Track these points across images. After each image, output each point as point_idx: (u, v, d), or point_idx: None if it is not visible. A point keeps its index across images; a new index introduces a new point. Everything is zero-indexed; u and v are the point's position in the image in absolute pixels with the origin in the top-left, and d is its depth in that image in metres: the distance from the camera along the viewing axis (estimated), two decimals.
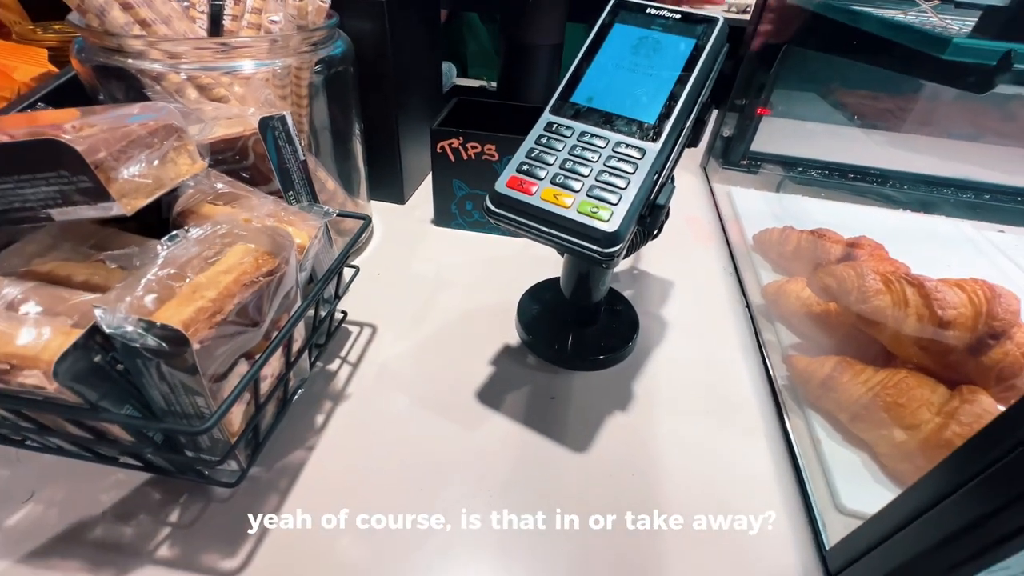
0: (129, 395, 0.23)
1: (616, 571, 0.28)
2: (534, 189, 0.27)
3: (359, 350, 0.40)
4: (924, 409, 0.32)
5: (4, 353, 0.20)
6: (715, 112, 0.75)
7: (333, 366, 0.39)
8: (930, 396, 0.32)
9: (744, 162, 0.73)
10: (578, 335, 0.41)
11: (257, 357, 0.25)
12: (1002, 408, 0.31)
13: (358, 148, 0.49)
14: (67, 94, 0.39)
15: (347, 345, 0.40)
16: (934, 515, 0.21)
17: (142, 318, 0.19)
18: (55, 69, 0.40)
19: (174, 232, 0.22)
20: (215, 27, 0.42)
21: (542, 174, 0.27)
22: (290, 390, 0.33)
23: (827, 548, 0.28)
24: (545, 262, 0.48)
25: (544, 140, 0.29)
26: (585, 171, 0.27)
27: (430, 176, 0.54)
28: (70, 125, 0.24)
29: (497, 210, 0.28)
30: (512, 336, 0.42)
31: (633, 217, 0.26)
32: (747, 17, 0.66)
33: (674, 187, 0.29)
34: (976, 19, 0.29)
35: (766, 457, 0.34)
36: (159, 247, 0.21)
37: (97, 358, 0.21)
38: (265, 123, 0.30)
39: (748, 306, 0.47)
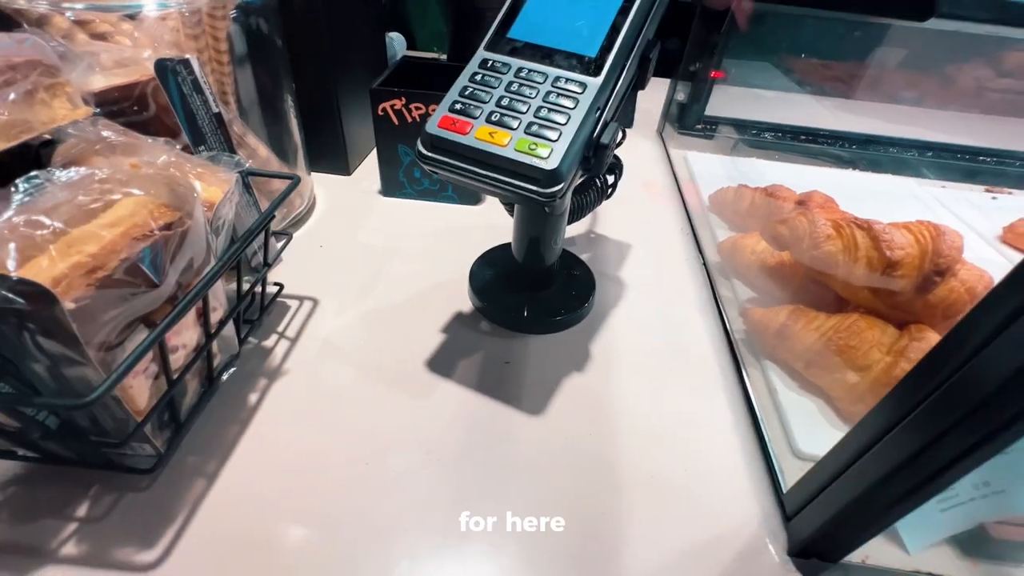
0: (3, 371, 0.20)
1: (580, 527, 0.26)
2: (468, 129, 0.25)
3: (298, 325, 0.37)
4: (875, 350, 0.32)
5: None
6: (669, 81, 0.74)
7: (269, 342, 0.36)
8: (880, 337, 0.32)
9: (699, 127, 0.72)
10: (533, 299, 0.39)
11: (159, 322, 0.22)
12: None
13: (292, 115, 0.46)
14: None
15: (285, 320, 0.37)
16: (879, 449, 0.21)
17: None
18: None
19: (33, 172, 0.19)
20: None
21: (477, 113, 0.25)
22: (217, 367, 0.30)
23: (784, 493, 0.28)
24: (498, 231, 0.46)
25: (479, 78, 0.26)
26: (523, 108, 0.25)
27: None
28: None
29: (429, 154, 0.25)
30: (465, 304, 0.40)
31: (576, 156, 0.24)
32: None
33: (622, 134, 0.27)
34: None
35: (724, 409, 0.34)
36: (12, 189, 0.18)
37: None
38: (164, 66, 0.26)
39: (704, 263, 0.47)
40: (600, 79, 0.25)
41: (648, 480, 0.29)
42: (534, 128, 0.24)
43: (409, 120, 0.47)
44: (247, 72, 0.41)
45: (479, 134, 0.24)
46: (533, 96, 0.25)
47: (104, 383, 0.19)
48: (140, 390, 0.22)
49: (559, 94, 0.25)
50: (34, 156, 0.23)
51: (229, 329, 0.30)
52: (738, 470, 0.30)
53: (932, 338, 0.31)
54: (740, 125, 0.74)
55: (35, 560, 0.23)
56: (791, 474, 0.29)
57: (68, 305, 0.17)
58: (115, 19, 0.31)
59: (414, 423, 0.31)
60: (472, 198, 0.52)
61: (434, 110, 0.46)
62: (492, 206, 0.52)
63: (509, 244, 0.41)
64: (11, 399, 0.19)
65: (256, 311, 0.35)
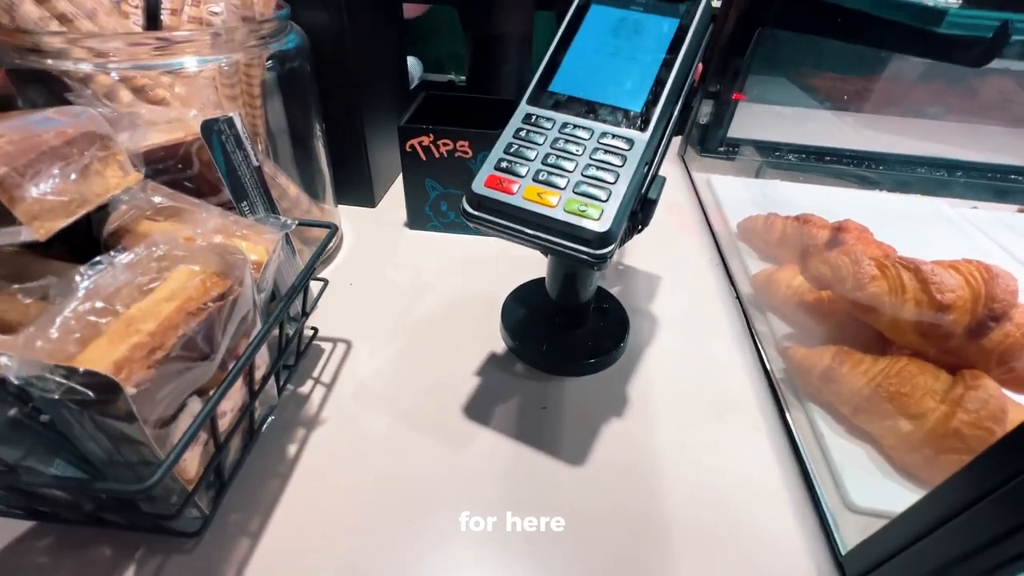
0: (60, 447, 0.20)
1: None
2: (515, 188, 0.25)
3: (333, 369, 0.37)
4: (928, 397, 0.31)
5: None
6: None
7: (305, 388, 0.35)
8: (933, 383, 0.31)
9: (722, 149, 0.72)
10: (567, 338, 0.39)
11: (211, 393, 0.22)
12: (1006, 391, 0.31)
13: (321, 150, 0.46)
14: None
15: (320, 364, 0.37)
16: (961, 522, 0.20)
17: (59, 364, 0.16)
18: None
19: (97, 259, 0.19)
20: (152, 24, 0.38)
21: (523, 171, 0.25)
22: (257, 420, 0.30)
23: (843, 553, 0.27)
24: (527, 262, 0.46)
25: (523, 134, 0.26)
26: (570, 166, 0.25)
27: (401, 177, 0.51)
28: None
29: (475, 212, 0.25)
30: (498, 343, 0.40)
31: (625, 214, 0.24)
32: None
33: (664, 178, 0.27)
34: None
35: (769, 455, 0.33)
36: (78, 277, 0.18)
37: (12, 412, 0.18)
38: (209, 126, 0.26)
39: (738, 296, 0.46)
40: (647, 134, 0.25)
41: (695, 534, 0.28)
42: (583, 188, 0.24)
43: (436, 155, 0.47)
44: (278, 111, 0.41)
45: (527, 194, 0.24)
46: (579, 153, 0.25)
47: (162, 467, 0.18)
48: (191, 460, 0.22)
49: (606, 151, 0.25)
50: (85, 222, 0.24)
51: (270, 382, 0.30)
52: (788, 523, 0.29)
53: (988, 386, 0.30)
54: (762, 146, 0.74)
55: None
56: (847, 530, 0.28)
57: (130, 391, 0.17)
58: (155, 74, 0.32)
59: (453, 474, 0.31)
60: None
61: (462, 145, 0.47)
62: None
63: (540, 279, 0.41)
64: (73, 484, 0.19)
65: (292, 356, 0.35)
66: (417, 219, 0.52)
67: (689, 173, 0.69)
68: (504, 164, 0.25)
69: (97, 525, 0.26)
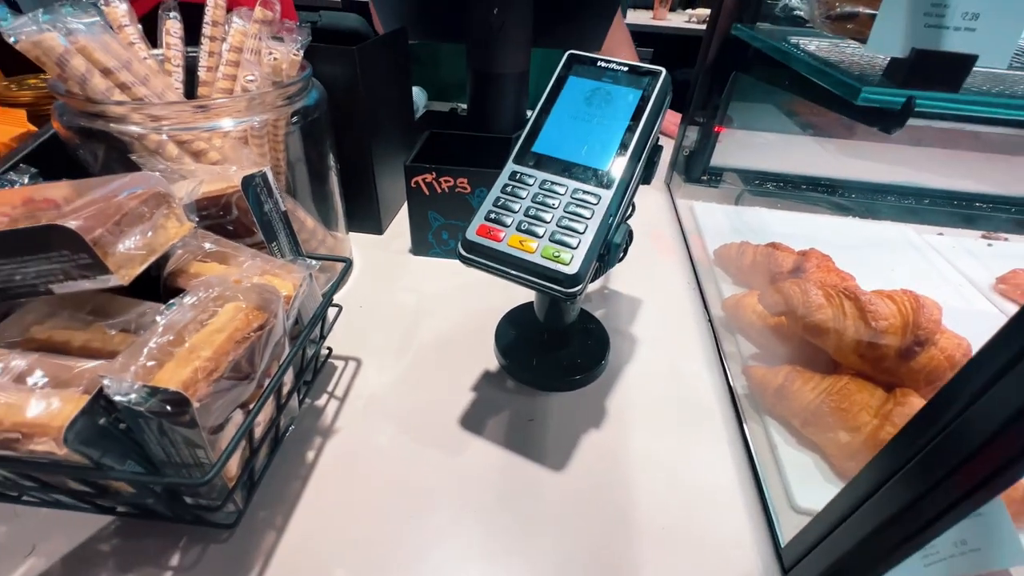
0: (131, 451, 0.25)
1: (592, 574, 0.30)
2: (502, 235, 0.30)
3: (345, 384, 0.42)
4: (864, 412, 0.35)
5: (15, 423, 0.21)
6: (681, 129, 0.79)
7: (321, 401, 0.40)
8: (869, 400, 0.36)
9: (705, 177, 0.77)
10: (553, 357, 0.43)
11: (251, 406, 0.27)
12: None
13: (335, 184, 0.51)
14: (47, 153, 0.40)
15: (333, 380, 0.42)
16: (869, 506, 0.24)
17: (146, 384, 0.21)
18: (34, 128, 0.41)
19: (172, 301, 0.24)
20: (190, 80, 0.44)
21: (508, 221, 0.30)
22: (281, 429, 0.35)
23: (782, 546, 0.31)
24: (518, 288, 0.51)
25: (509, 189, 0.31)
26: (547, 217, 0.30)
27: (406, 206, 0.56)
28: (62, 198, 0.26)
29: (469, 255, 0.30)
30: (491, 361, 0.45)
31: (592, 258, 0.29)
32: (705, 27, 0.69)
33: (629, 227, 0.32)
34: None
35: (729, 463, 0.37)
36: (158, 316, 0.23)
37: (102, 420, 0.23)
38: (248, 181, 0.31)
39: (710, 319, 0.51)
40: (612, 191, 0.30)
41: (660, 532, 0.33)
42: (557, 236, 0.29)
43: (439, 191, 0.52)
44: (298, 151, 0.46)
45: (511, 242, 0.29)
46: (556, 206, 0.30)
47: (218, 463, 0.23)
48: (233, 461, 0.27)
49: (578, 204, 0.30)
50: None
51: (292, 396, 0.34)
52: (742, 523, 0.34)
53: (915, 402, 0.34)
54: (744, 175, 0.79)
55: None
56: (788, 527, 0.32)
57: (195, 405, 0.22)
58: (207, 135, 0.37)
59: (451, 478, 0.35)
60: None
61: (461, 182, 0.52)
62: None
63: (529, 304, 0.46)
64: (146, 479, 0.24)
65: (311, 373, 0.40)
66: (420, 246, 0.57)
67: (673, 200, 0.74)
68: (493, 215, 0.30)
69: (148, 518, 0.30)
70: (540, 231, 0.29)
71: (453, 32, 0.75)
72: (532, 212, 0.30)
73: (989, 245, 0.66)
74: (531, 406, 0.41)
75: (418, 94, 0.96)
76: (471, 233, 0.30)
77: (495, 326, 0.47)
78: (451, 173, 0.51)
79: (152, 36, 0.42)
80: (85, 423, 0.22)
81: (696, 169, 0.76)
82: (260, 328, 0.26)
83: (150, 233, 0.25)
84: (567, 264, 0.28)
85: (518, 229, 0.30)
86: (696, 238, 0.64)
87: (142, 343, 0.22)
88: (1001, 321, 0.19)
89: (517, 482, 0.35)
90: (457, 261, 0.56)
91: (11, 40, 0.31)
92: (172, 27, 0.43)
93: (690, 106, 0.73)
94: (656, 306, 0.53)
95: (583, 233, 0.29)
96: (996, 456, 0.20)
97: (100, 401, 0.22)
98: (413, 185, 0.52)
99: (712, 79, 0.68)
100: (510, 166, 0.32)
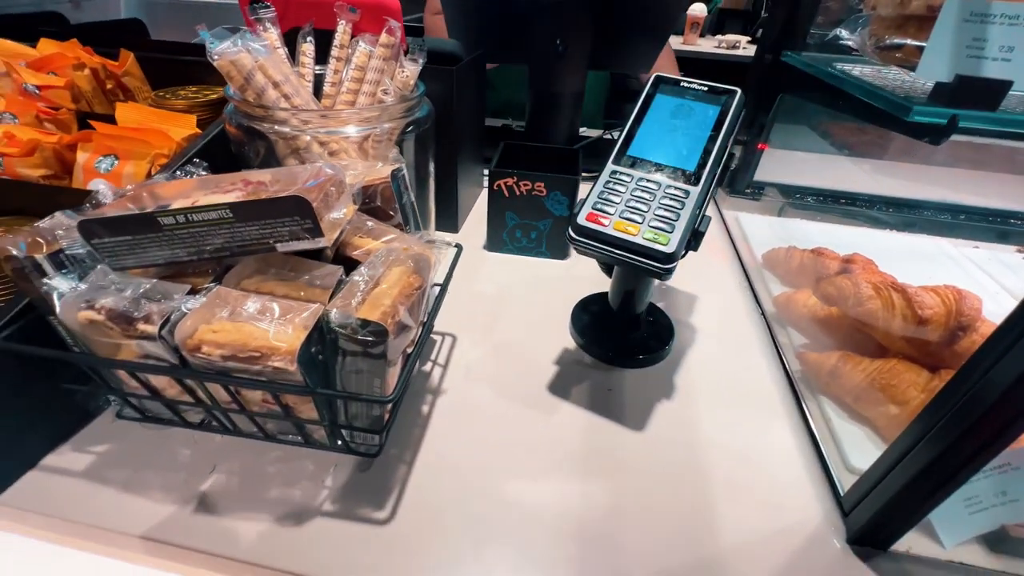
0: (323, 379, 0.31)
1: (673, 519, 0.35)
2: (606, 221, 0.36)
3: (445, 354, 0.48)
4: (912, 388, 0.40)
5: (259, 345, 0.28)
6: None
7: (427, 368, 0.47)
8: (916, 378, 0.40)
9: (748, 190, 0.82)
10: (625, 339, 0.49)
11: (409, 351, 0.33)
12: None
13: (432, 186, 0.59)
14: (212, 149, 0.48)
15: (435, 351, 0.49)
16: (911, 457, 0.29)
17: (359, 317, 0.28)
18: (199, 131, 0.49)
19: (371, 258, 0.31)
20: (316, 89, 0.52)
21: (611, 210, 0.36)
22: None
23: (842, 495, 0.36)
24: (584, 281, 0.57)
25: (611, 184, 0.38)
26: (645, 208, 0.36)
27: (475, 206, 0.63)
28: (268, 180, 0.33)
29: (578, 238, 0.36)
30: (568, 342, 0.51)
31: (684, 241, 0.35)
32: (736, 52, 0.76)
33: (710, 217, 0.38)
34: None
35: (788, 434, 0.42)
36: (356, 275, 0.30)
37: (314, 349, 0.29)
38: (395, 174, 0.39)
39: (763, 314, 0.56)
40: (699, 187, 0.36)
41: (729, 486, 0.38)
42: (655, 223, 0.35)
43: (518, 193, 0.59)
44: (410, 157, 0.54)
45: (616, 226, 0.35)
46: (651, 199, 0.36)
47: (399, 385, 0.30)
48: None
49: (671, 198, 0.36)
50: None
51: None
52: (802, 481, 0.39)
53: None
54: (785, 189, 0.84)
55: (306, 515, 0.34)
56: (846, 482, 0.37)
57: (391, 339, 0.29)
58: (339, 138, 0.45)
59: (542, 437, 0.41)
60: (561, 254, 0.64)
61: (539, 186, 0.59)
62: (576, 260, 0.63)
63: (602, 293, 0.52)
64: (347, 396, 0.30)
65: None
66: (496, 243, 0.64)
67: (720, 211, 0.80)
68: (599, 205, 0.37)
69: (307, 446, 0.37)
70: (639, 219, 0.36)
71: (517, 56, 0.83)
72: (632, 204, 0.36)
73: None
74: (608, 378, 0.47)
75: None
76: (581, 219, 0.36)
77: (565, 314, 0.53)
78: (530, 178, 0.58)
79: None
80: (306, 348, 0.28)
81: (741, 183, 0.82)
82: (419, 288, 0.33)
83: (344, 209, 0.32)
84: (666, 244, 0.34)
85: (621, 216, 0.36)
86: (744, 244, 0.69)
87: (349, 291, 0.29)
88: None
89: (602, 439, 0.41)
90: (529, 258, 0.64)
91: (214, 59, 0.39)
92: (308, 49, 0.51)
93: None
94: (712, 302, 0.58)
95: (676, 221, 0.35)
96: (1007, 412, 0.25)
97: (314, 334, 0.29)
98: (495, 188, 0.59)
99: (758, 100, 0.75)
100: (610, 167, 0.39)
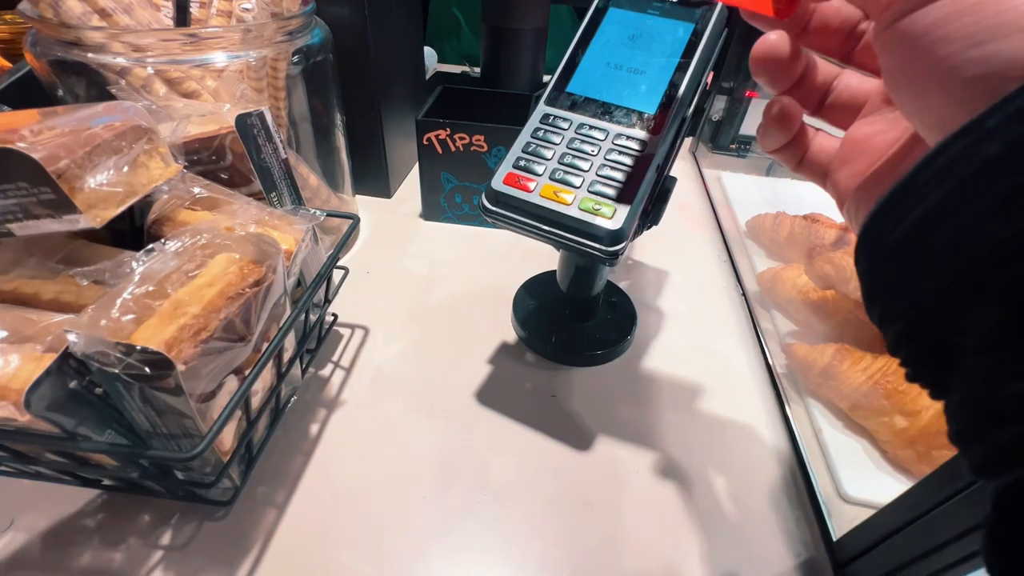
0: (111, 418, 0.22)
1: (627, 561, 0.27)
2: (532, 186, 0.26)
3: (352, 353, 0.39)
4: (924, 395, 0.32)
5: None
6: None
7: (326, 371, 0.37)
8: None
9: (733, 146, 0.72)
10: (576, 330, 0.40)
11: (247, 372, 0.23)
12: None
13: (341, 141, 0.47)
14: (24, 91, 0.36)
15: (339, 349, 0.39)
16: (947, 509, 0.21)
17: (120, 341, 0.18)
18: (8, 64, 0.37)
19: (150, 246, 0.21)
20: (181, 16, 0.39)
21: (540, 169, 0.26)
22: (282, 400, 0.32)
23: (834, 539, 0.28)
24: (538, 256, 0.48)
25: (540, 133, 0.27)
26: (585, 165, 0.26)
27: (416, 168, 0.52)
28: (27, 130, 0.22)
29: (494, 208, 0.26)
30: (509, 333, 0.41)
31: (637, 213, 0.25)
32: None
33: (675, 179, 0.28)
34: None
35: (768, 447, 0.34)
36: (134, 263, 0.20)
37: (72, 384, 0.20)
38: (243, 120, 0.28)
39: (744, 294, 0.47)
40: (660, 136, 0.26)
41: (696, 521, 0.30)
42: (597, 187, 0.25)
43: (452, 149, 0.48)
44: (301, 102, 0.42)
45: (544, 192, 0.25)
46: (595, 153, 0.26)
47: (208, 436, 0.20)
48: (227, 434, 0.24)
49: (620, 151, 0.26)
50: (128, 210, 0.25)
51: (294, 364, 0.31)
52: (785, 512, 0.31)
53: None
54: None
55: None
56: (839, 518, 0.29)
57: (180, 367, 0.19)
58: (187, 68, 0.33)
59: (466, 457, 0.32)
60: None
61: (477, 139, 0.48)
62: None
63: (550, 272, 0.42)
64: (125, 452, 0.21)
65: (314, 340, 0.37)
66: (432, 211, 0.53)
67: (700, 170, 0.70)
68: (522, 162, 0.27)
69: (137, 492, 0.28)
70: (577, 181, 0.26)
71: None
72: (568, 160, 0.26)
73: None
74: (553, 381, 0.38)
75: (428, 54, 0.90)
76: (497, 182, 0.26)
77: (512, 297, 0.43)
78: (466, 129, 0.47)
79: None
80: (51, 386, 0.19)
81: (724, 138, 0.71)
82: (257, 284, 0.23)
83: (126, 168, 0.21)
84: (609, 219, 0.24)
85: (551, 178, 0.26)
86: (726, 209, 0.60)
87: (115, 294, 0.19)
88: None
89: (539, 461, 0.33)
90: (471, 227, 0.53)
91: None
92: None
93: (718, 73, 0.68)
94: (685, 280, 0.49)
95: (627, 185, 0.25)
96: None
97: (69, 362, 0.19)
98: (425, 142, 0.48)
99: (745, 41, 0.63)
100: (542, 107, 0.28)
